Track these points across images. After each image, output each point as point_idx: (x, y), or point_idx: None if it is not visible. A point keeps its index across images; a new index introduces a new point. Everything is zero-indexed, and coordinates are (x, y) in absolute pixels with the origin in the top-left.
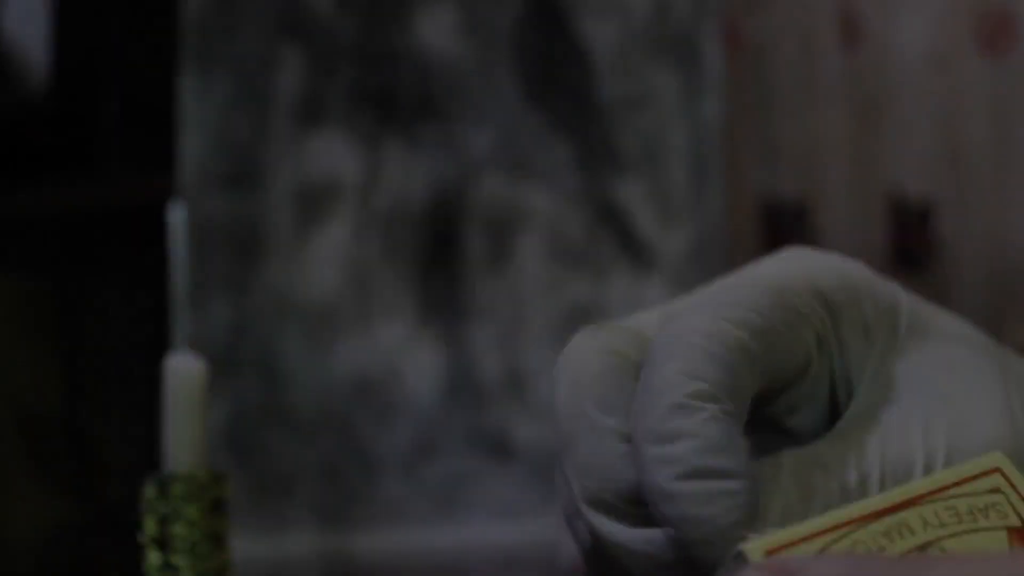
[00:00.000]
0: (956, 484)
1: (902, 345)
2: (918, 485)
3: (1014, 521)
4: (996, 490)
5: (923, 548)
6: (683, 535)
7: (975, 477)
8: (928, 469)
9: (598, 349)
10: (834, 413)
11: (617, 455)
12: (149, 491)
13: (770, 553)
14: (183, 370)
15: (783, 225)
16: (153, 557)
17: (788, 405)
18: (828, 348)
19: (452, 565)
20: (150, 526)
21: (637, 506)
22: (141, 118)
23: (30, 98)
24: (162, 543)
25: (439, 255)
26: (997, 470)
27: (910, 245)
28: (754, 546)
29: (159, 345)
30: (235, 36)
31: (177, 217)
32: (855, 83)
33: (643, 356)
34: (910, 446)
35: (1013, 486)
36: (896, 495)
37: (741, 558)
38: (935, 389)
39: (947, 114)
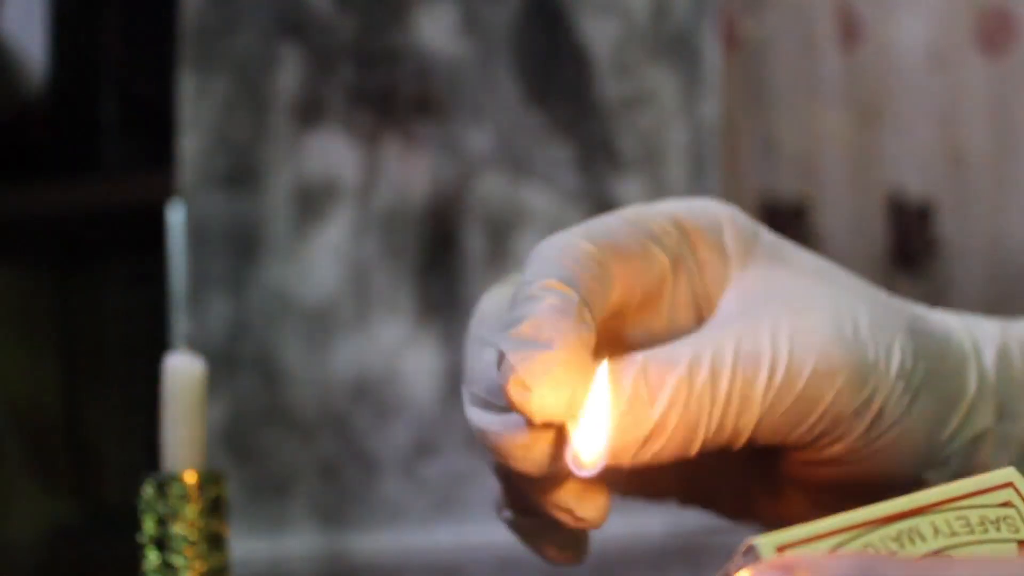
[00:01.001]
0: (969, 495)
1: (757, 267)
2: (931, 493)
3: None
4: (1008, 504)
5: (933, 555)
6: (515, 405)
7: (988, 490)
8: (772, 370)
9: (500, 291)
10: None
11: (488, 357)
12: (147, 491)
13: (781, 550)
14: (182, 369)
15: (782, 225)
16: (151, 557)
17: (652, 326)
18: (686, 267)
19: (451, 565)
20: (148, 526)
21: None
22: (139, 117)
23: (28, 97)
24: (160, 543)
25: (439, 255)
26: (1010, 484)
27: (909, 245)
28: (766, 542)
29: (158, 344)
30: (234, 35)
31: (176, 216)
32: (854, 82)
33: None
34: (758, 348)
35: None
36: (908, 501)
37: (753, 554)
38: (783, 303)
39: (947, 113)
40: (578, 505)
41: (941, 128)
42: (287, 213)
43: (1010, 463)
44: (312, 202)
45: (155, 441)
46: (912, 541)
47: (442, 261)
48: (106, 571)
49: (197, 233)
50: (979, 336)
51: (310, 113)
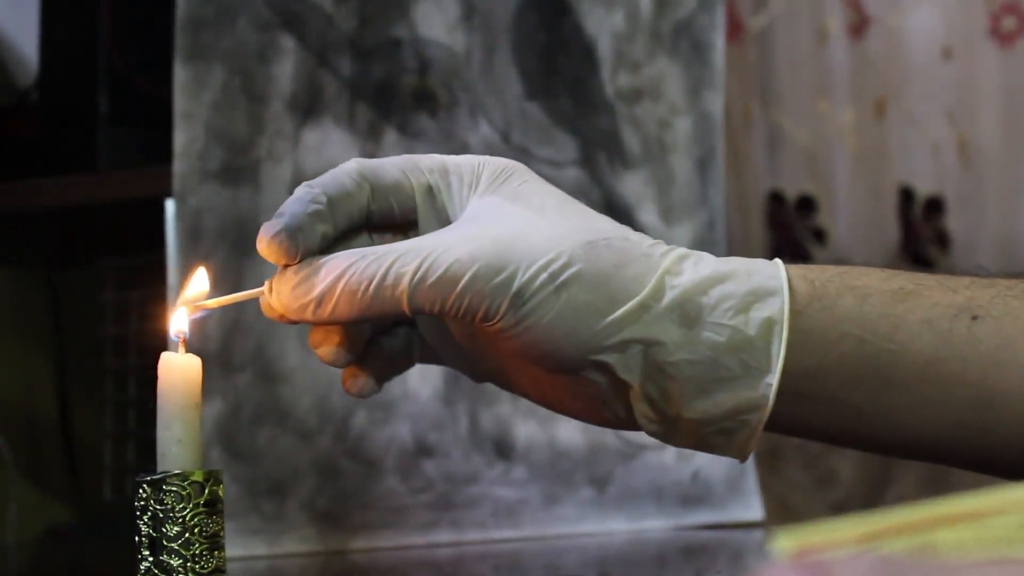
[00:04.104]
0: (991, 513)
1: (487, 196)
2: (955, 504)
3: None
4: None
5: (959, 563)
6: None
7: (1011, 509)
8: (425, 256)
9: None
10: None
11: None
12: (143, 491)
13: (801, 554)
14: (177, 368)
15: (789, 219)
16: (147, 558)
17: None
18: (438, 195)
19: (451, 566)
20: (144, 526)
21: None
22: (134, 112)
23: (21, 92)
24: (156, 544)
25: None
26: None
27: (918, 239)
28: (785, 546)
29: (153, 342)
30: (229, 28)
31: (171, 212)
32: (863, 75)
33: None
34: (423, 243)
35: None
36: (930, 511)
37: (773, 557)
38: (477, 219)
39: (957, 107)
40: (317, 345)
41: (951, 121)
42: None
43: (692, 364)
44: None
45: (151, 440)
46: (938, 550)
47: None
48: (101, 572)
49: (193, 229)
50: (681, 264)
51: (308, 107)
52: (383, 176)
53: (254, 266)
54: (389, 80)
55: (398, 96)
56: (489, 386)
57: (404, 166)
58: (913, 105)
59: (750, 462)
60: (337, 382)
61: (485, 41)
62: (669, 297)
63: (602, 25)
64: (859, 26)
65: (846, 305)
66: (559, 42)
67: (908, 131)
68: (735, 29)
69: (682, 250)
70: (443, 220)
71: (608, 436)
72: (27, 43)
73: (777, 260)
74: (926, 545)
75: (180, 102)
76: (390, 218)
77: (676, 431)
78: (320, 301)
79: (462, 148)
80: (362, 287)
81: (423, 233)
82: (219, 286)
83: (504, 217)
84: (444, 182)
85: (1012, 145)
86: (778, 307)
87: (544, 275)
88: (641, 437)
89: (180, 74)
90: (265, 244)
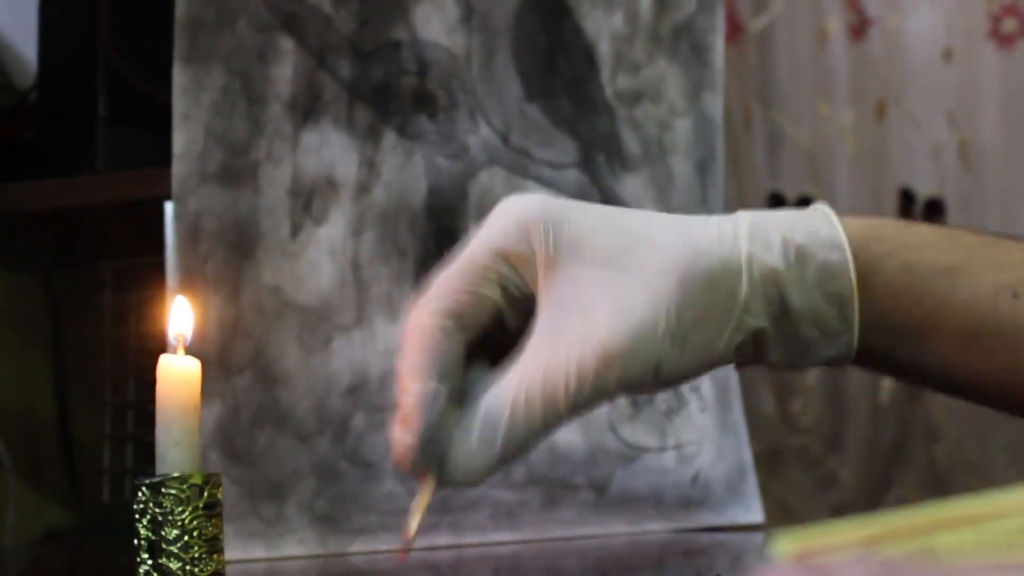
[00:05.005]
0: (991, 517)
1: (558, 272)
2: (955, 508)
3: None
4: None
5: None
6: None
7: (1010, 513)
8: (567, 381)
9: (444, 275)
10: None
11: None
12: (142, 494)
13: (802, 557)
14: (176, 370)
15: None
16: (146, 561)
17: (506, 341)
18: (511, 284)
19: (450, 569)
20: (143, 529)
21: None
22: (133, 113)
23: (20, 93)
24: (155, 547)
25: (438, 252)
26: None
27: None
28: (786, 548)
29: (152, 345)
30: (228, 29)
31: (170, 214)
32: (863, 76)
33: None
34: (557, 368)
35: None
36: (931, 514)
37: (774, 559)
38: (574, 314)
39: (957, 108)
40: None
41: (951, 123)
42: (284, 210)
43: (787, 357)
44: (309, 199)
45: (149, 443)
46: (938, 553)
47: (441, 260)
48: (100, 575)
49: (192, 231)
50: (759, 243)
51: (307, 108)
52: (462, 306)
53: (252, 267)
54: (388, 82)
55: (397, 98)
56: None
57: (469, 279)
58: (913, 106)
59: (750, 464)
60: (335, 384)
61: (485, 43)
62: (761, 297)
63: (602, 27)
64: (859, 27)
65: (899, 283)
66: (559, 44)
67: (908, 132)
68: (735, 31)
69: (744, 227)
70: (521, 304)
71: (608, 438)
72: (26, 44)
73: (835, 223)
74: (926, 548)
75: (179, 104)
76: (479, 329)
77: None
78: (493, 466)
79: (461, 149)
80: (524, 433)
81: (508, 320)
82: (218, 287)
83: (592, 308)
84: (509, 269)
85: (1012, 146)
86: (847, 283)
87: (669, 343)
88: (641, 439)
89: (179, 76)
90: (410, 467)
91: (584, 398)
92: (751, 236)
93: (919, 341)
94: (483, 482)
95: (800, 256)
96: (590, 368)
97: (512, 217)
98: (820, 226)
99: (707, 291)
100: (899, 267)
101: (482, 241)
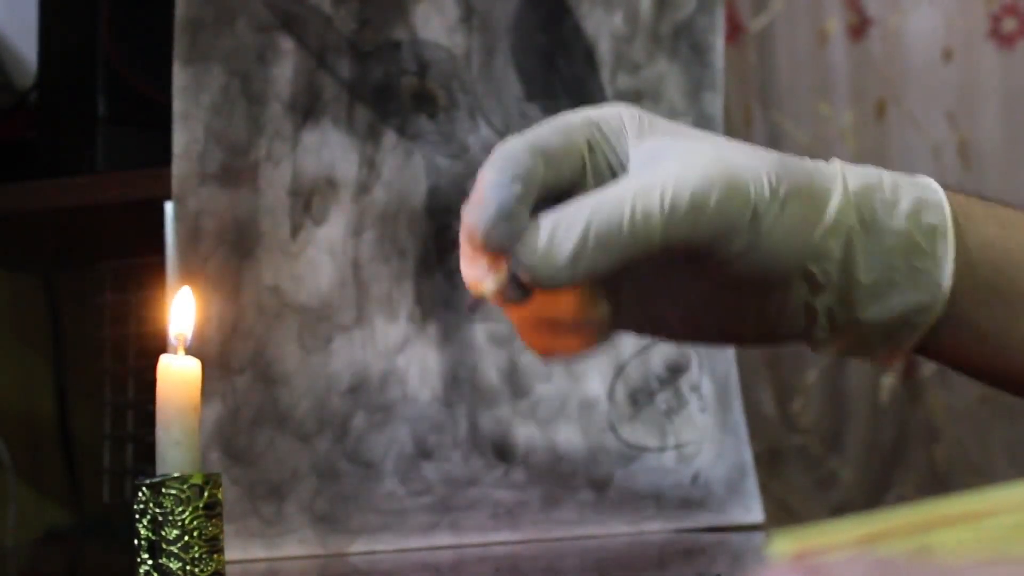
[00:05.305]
0: (988, 514)
1: (652, 138)
2: (953, 505)
3: None
4: None
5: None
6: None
7: (1009, 509)
8: (663, 191)
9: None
10: None
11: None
12: (142, 494)
13: (799, 556)
14: (176, 370)
15: None
16: (146, 561)
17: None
18: (598, 148)
19: (450, 569)
20: (143, 529)
21: None
22: (132, 114)
23: (20, 93)
24: (155, 547)
25: (438, 253)
26: None
27: None
28: (784, 549)
29: (152, 345)
30: (228, 29)
31: (170, 214)
32: (862, 76)
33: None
34: (652, 180)
35: None
36: (929, 512)
37: (771, 558)
38: (671, 154)
39: (957, 108)
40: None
41: (951, 123)
42: (283, 210)
43: (874, 290)
44: (309, 199)
45: (149, 443)
46: (935, 551)
47: (441, 260)
48: (100, 575)
49: (192, 231)
50: (852, 169)
51: (307, 108)
52: (552, 144)
53: (252, 267)
54: (388, 82)
55: (397, 98)
56: (488, 388)
57: (562, 128)
58: (913, 106)
59: (750, 464)
60: (335, 383)
61: (484, 43)
62: (853, 204)
63: (602, 26)
64: (859, 27)
65: (990, 232)
66: (559, 43)
67: (908, 133)
68: (735, 30)
69: (837, 160)
70: (604, 173)
71: (608, 438)
72: (26, 44)
73: (927, 178)
74: (924, 546)
75: (179, 104)
76: (557, 183)
77: (841, 337)
78: (574, 257)
79: (461, 149)
80: (612, 231)
81: (590, 189)
82: (218, 287)
83: (691, 150)
84: (600, 135)
85: (1013, 146)
86: (942, 217)
87: (767, 192)
88: (641, 439)
89: (179, 75)
90: (482, 234)
91: (678, 219)
92: (844, 166)
93: (1010, 302)
94: (558, 284)
95: (894, 186)
96: (689, 183)
97: (607, 106)
98: (912, 176)
99: (802, 177)
100: (992, 218)
101: (573, 112)
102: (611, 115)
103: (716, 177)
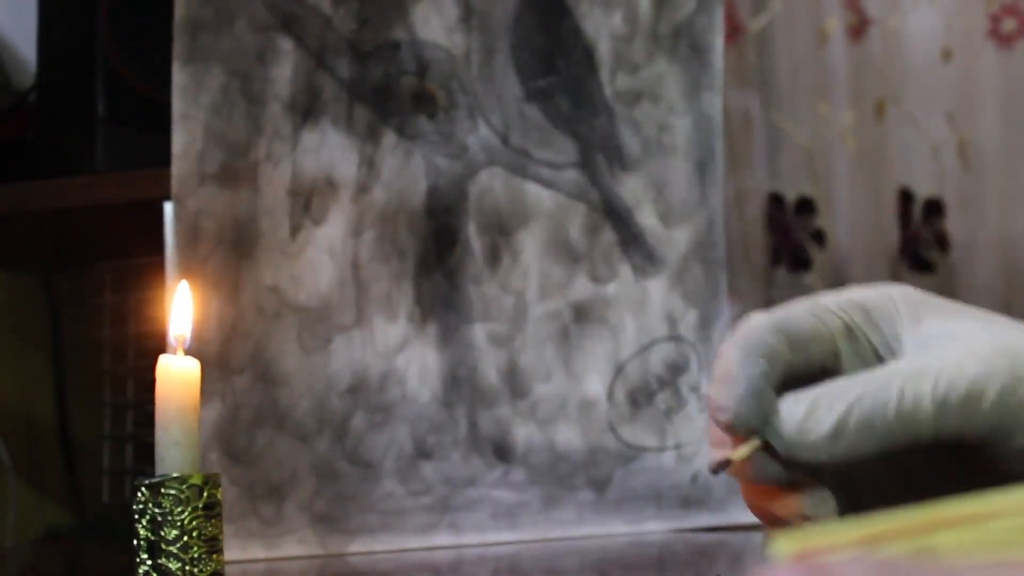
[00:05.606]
0: (990, 516)
1: (928, 320)
2: (955, 507)
3: None
4: None
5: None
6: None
7: (1012, 512)
8: (937, 376)
9: (758, 323)
10: None
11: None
12: (141, 494)
13: (801, 556)
14: (175, 370)
15: (788, 221)
16: (145, 561)
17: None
18: (859, 334)
19: (450, 569)
20: (142, 530)
21: None
22: (132, 114)
23: (19, 94)
24: (154, 547)
25: (438, 253)
26: None
27: (918, 241)
28: (785, 548)
29: (151, 345)
30: (227, 29)
31: (170, 214)
32: (862, 76)
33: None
34: (926, 363)
35: None
36: (931, 514)
37: (772, 559)
38: (948, 336)
39: (957, 108)
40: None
41: (950, 123)
42: (283, 211)
43: None
44: (308, 200)
45: (149, 443)
46: (937, 553)
47: (441, 260)
48: (100, 575)
49: (191, 231)
50: None
51: (306, 108)
52: (799, 326)
53: (252, 268)
54: (388, 82)
55: (397, 98)
56: (487, 388)
57: (814, 311)
58: (913, 106)
59: None
60: (335, 384)
61: (484, 43)
62: None
63: (601, 27)
64: (859, 27)
65: None
66: (558, 43)
67: (908, 133)
68: (734, 30)
69: None
70: (868, 358)
71: (608, 439)
72: (26, 45)
73: None
74: (925, 548)
75: (178, 104)
76: (806, 367)
77: None
78: (834, 435)
79: (461, 149)
80: (879, 414)
81: (846, 374)
82: (217, 288)
83: (972, 335)
84: (863, 318)
85: (1012, 146)
86: None
87: None
88: (641, 439)
89: (178, 76)
90: (732, 414)
91: (952, 408)
92: None
93: None
94: (814, 460)
95: None
96: (968, 372)
97: (875, 287)
98: None
99: None
100: None
101: (834, 293)
102: (882, 297)
103: (998, 366)
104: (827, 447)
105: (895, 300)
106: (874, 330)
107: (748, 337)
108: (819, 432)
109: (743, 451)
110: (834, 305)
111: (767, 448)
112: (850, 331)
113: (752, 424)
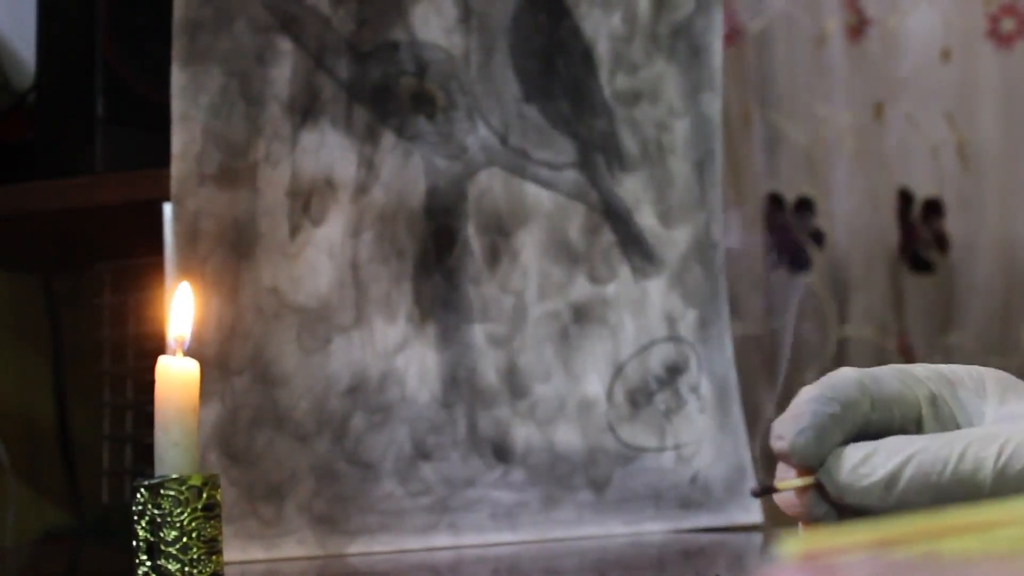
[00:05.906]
0: (997, 525)
1: (1014, 403)
2: (963, 515)
3: None
4: None
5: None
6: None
7: (1016, 521)
8: (1003, 445)
9: (847, 377)
10: None
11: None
12: (141, 495)
13: (809, 557)
14: (175, 371)
15: (787, 221)
16: (144, 562)
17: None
18: (943, 404)
19: (449, 570)
20: (142, 531)
21: None
22: (131, 115)
23: (19, 94)
24: (153, 548)
25: (437, 254)
26: None
27: (917, 241)
28: (794, 548)
29: (150, 346)
30: (227, 30)
31: (169, 215)
32: (861, 76)
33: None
34: (995, 432)
35: None
36: (937, 521)
37: (780, 559)
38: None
39: (956, 108)
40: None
41: (949, 123)
42: (282, 211)
43: None
44: (308, 200)
45: (148, 444)
46: (942, 557)
47: (440, 260)
48: None
49: (191, 232)
50: None
51: (305, 109)
52: (885, 386)
53: (251, 268)
54: (387, 82)
55: (396, 98)
56: (487, 389)
57: (901, 376)
58: (912, 107)
59: (749, 465)
60: (334, 384)
61: (483, 43)
62: None
63: (600, 27)
64: (858, 28)
65: None
66: (557, 44)
67: (907, 133)
68: (733, 31)
69: None
70: (950, 429)
71: (607, 439)
72: (25, 46)
73: None
74: (933, 552)
75: (177, 105)
76: (888, 428)
77: None
78: (888, 483)
79: (460, 150)
80: (936, 469)
81: None
82: (216, 288)
83: None
84: (948, 390)
85: (1011, 146)
86: None
87: None
88: (640, 439)
89: (177, 77)
90: (788, 443)
91: (1012, 475)
92: None
93: None
94: (864, 505)
95: None
96: None
97: (961, 368)
98: None
99: None
100: None
101: (922, 365)
102: (971, 374)
103: None
104: (879, 494)
105: (984, 379)
106: (958, 403)
107: (829, 381)
108: (873, 478)
109: (790, 483)
110: (922, 374)
111: (819, 488)
112: (935, 401)
113: (808, 460)
